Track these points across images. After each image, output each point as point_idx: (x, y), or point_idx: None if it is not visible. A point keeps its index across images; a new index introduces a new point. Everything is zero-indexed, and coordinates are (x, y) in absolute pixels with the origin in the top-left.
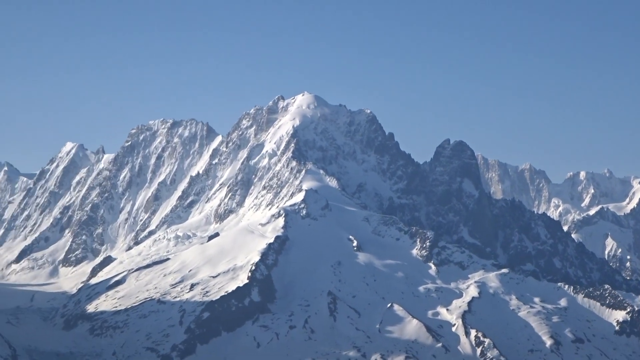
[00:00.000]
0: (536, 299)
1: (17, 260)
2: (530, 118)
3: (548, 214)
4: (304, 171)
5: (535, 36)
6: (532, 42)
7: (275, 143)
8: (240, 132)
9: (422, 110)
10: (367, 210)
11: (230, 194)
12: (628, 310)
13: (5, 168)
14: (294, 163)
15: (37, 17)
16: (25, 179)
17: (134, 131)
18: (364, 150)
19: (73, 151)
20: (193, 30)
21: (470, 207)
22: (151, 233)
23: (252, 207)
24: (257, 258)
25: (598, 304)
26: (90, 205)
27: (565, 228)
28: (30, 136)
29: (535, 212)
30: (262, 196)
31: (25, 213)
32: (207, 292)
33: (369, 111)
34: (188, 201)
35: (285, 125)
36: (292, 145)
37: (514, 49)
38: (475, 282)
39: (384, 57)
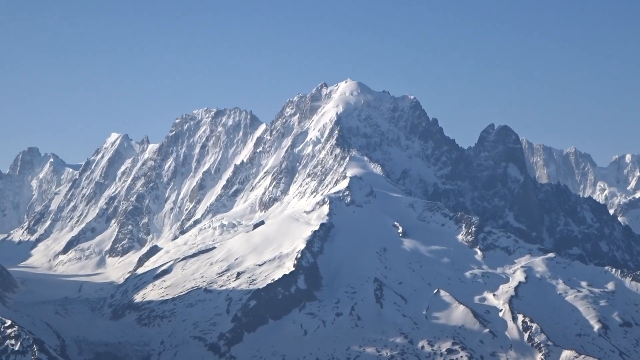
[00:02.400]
0: (583, 283)
1: (64, 251)
2: (575, 101)
3: (594, 198)
4: (348, 158)
5: (578, 21)
6: (574, 27)
7: (319, 130)
8: (284, 120)
9: (465, 95)
10: (411, 197)
11: (274, 182)
12: None
13: (51, 159)
14: (337, 150)
15: (77, 10)
16: (70, 170)
17: (178, 121)
18: (408, 136)
19: (118, 142)
20: (237, 19)
21: (515, 191)
22: (196, 222)
23: (296, 195)
24: (302, 246)
25: None
26: (135, 195)
27: (611, 211)
28: (75, 127)
29: (581, 196)
30: (306, 184)
31: (72, 204)
32: (253, 280)
33: (412, 97)
34: (233, 190)
35: (328, 112)
36: (336, 132)
37: (557, 33)
38: (522, 266)
39: (427, 43)
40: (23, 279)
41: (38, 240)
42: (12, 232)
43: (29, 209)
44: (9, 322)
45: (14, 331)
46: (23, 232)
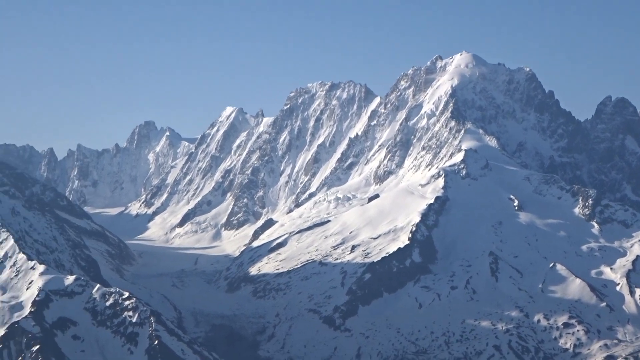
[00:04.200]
0: None
1: (181, 224)
2: None
3: None
4: (463, 131)
5: None
6: None
7: (433, 103)
8: (399, 93)
9: (582, 67)
10: (527, 170)
11: (389, 155)
12: None
13: (167, 133)
14: (452, 123)
15: None
16: (186, 143)
17: (292, 94)
18: (524, 108)
19: (233, 115)
20: None
21: (633, 164)
22: (311, 195)
23: (411, 168)
24: (417, 219)
25: None
26: (250, 168)
27: None
28: (191, 101)
29: None
30: (421, 157)
31: (188, 177)
32: (368, 253)
33: (528, 69)
34: (347, 163)
35: (443, 85)
36: (451, 105)
37: None
38: None
39: (542, 14)
40: (140, 252)
41: (155, 214)
42: (129, 205)
43: (146, 182)
44: (126, 294)
45: (132, 303)
46: (140, 206)
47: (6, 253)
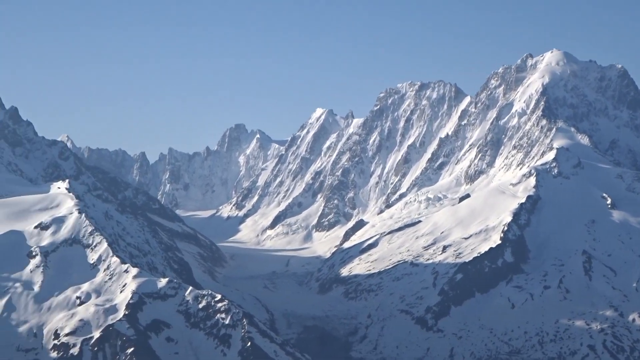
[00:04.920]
0: None
1: (272, 226)
2: None
3: None
4: (554, 129)
5: None
6: None
7: (524, 102)
8: (489, 92)
9: None
10: (620, 167)
11: (480, 155)
12: None
13: (258, 136)
14: (544, 121)
15: None
16: (277, 145)
17: (382, 95)
18: (616, 106)
19: (323, 117)
20: None
21: None
22: (402, 196)
23: (502, 167)
24: (509, 218)
25: None
26: (341, 169)
27: None
28: (281, 104)
29: None
30: (512, 156)
31: (278, 179)
32: (459, 253)
33: (620, 66)
34: (438, 163)
35: (534, 83)
36: (542, 103)
37: None
38: None
39: (634, 10)
40: (232, 254)
41: (246, 216)
42: (220, 207)
43: (237, 184)
44: (219, 297)
45: (224, 305)
46: (231, 208)
47: (100, 256)
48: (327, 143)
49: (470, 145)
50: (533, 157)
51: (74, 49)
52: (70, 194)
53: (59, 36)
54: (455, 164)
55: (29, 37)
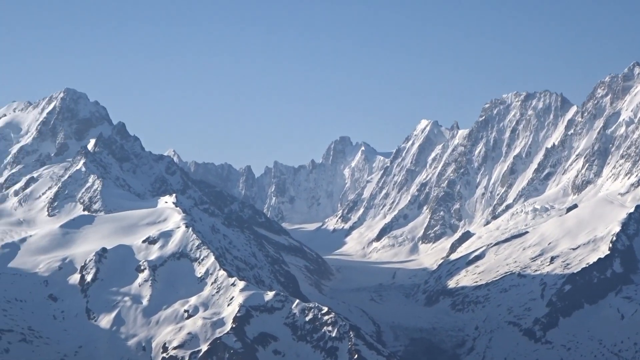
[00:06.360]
0: None
1: (378, 238)
2: None
3: None
4: None
5: None
6: None
7: (632, 110)
8: (596, 102)
9: None
10: None
11: (587, 165)
12: None
13: (363, 148)
14: None
15: None
16: (382, 157)
17: (487, 105)
18: None
19: (428, 128)
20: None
21: None
22: (508, 207)
23: (610, 177)
24: (617, 228)
25: None
26: (446, 181)
27: None
28: (385, 115)
29: None
30: (620, 165)
31: (384, 192)
32: (567, 264)
33: None
34: (544, 173)
35: None
36: None
37: None
38: None
39: None
40: (338, 267)
41: (352, 228)
42: (326, 220)
43: (342, 197)
44: (325, 309)
45: (331, 318)
46: (337, 220)
47: (207, 270)
48: (433, 154)
49: (577, 155)
50: None
51: (180, 66)
52: (177, 208)
53: (167, 54)
54: (562, 174)
55: (137, 56)
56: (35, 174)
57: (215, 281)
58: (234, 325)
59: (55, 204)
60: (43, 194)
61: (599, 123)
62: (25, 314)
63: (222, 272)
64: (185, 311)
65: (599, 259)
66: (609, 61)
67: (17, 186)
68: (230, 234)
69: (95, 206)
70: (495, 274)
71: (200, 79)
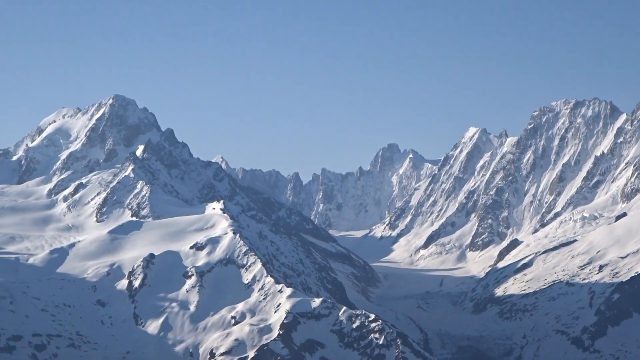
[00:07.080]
0: None
1: (425, 245)
2: None
3: None
4: None
5: None
6: None
7: None
8: None
9: None
10: None
11: (637, 173)
12: None
13: (411, 155)
14: None
15: None
16: (429, 165)
17: (536, 113)
18: None
19: (476, 136)
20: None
21: None
22: (557, 215)
23: None
24: None
25: None
26: (494, 189)
27: None
28: (433, 123)
29: None
30: None
31: (431, 199)
32: (616, 273)
33: None
34: (593, 181)
35: None
36: None
37: None
38: None
39: None
40: (385, 274)
41: (399, 236)
42: (374, 227)
43: (390, 204)
44: (372, 316)
45: (378, 325)
46: (384, 228)
47: (254, 277)
48: (481, 162)
49: (626, 164)
50: None
51: (229, 73)
52: (225, 214)
53: (216, 62)
54: (612, 182)
55: (187, 63)
56: (84, 180)
57: (262, 288)
58: (281, 332)
59: (104, 209)
60: (92, 199)
61: None
62: (74, 319)
63: (269, 279)
64: (233, 317)
65: None
66: None
67: (66, 192)
68: (277, 240)
69: (144, 212)
70: (544, 282)
71: (248, 86)
